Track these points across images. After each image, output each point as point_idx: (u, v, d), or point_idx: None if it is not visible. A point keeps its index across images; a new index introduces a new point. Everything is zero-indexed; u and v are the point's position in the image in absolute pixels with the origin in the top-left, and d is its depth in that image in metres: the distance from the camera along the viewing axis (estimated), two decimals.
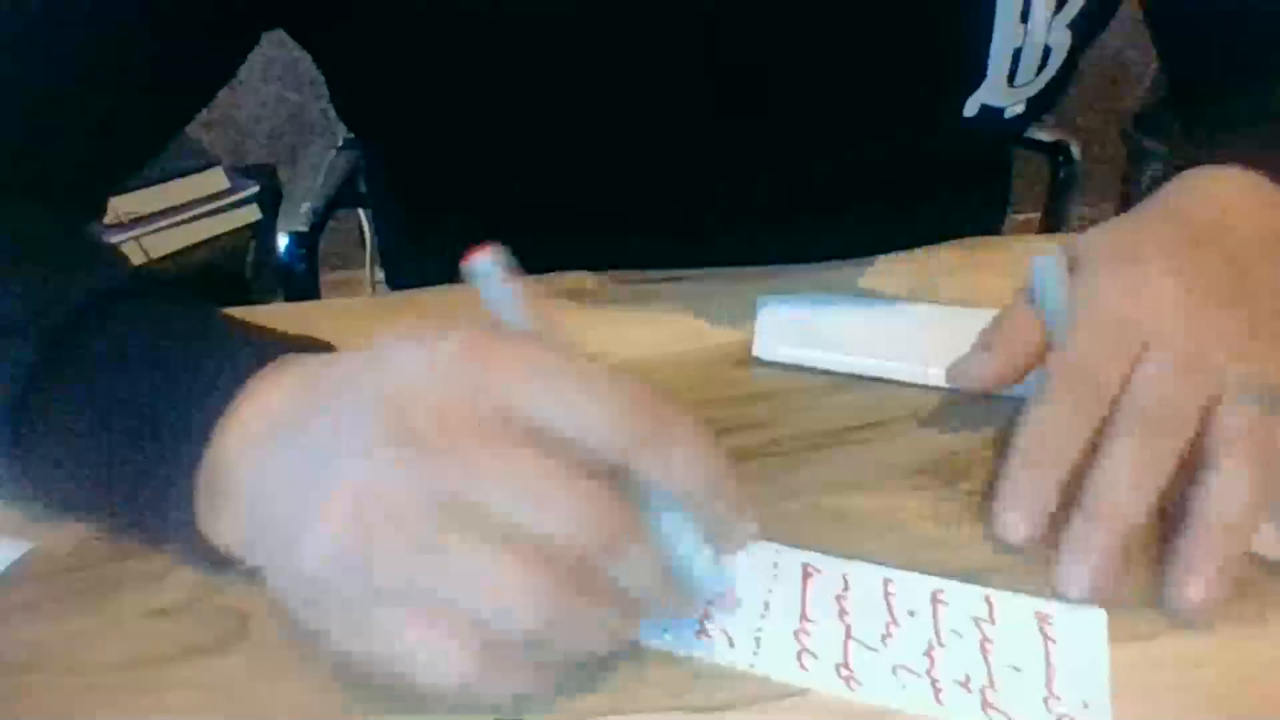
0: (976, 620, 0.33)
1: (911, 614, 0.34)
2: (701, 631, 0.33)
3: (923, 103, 0.51)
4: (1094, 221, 0.43)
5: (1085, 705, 0.31)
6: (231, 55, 0.49)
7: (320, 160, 0.91)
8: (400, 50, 0.48)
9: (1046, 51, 0.49)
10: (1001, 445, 0.41)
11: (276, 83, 1.60)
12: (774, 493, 0.39)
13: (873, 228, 0.53)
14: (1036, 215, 0.99)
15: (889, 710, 0.31)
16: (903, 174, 0.55)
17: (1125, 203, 1.44)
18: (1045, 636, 0.33)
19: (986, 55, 0.49)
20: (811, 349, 0.46)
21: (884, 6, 0.48)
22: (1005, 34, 0.48)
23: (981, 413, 0.43)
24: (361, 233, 1.36)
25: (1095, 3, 0.48)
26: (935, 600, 0.34)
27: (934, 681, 0.32)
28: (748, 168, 0.53)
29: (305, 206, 0.86)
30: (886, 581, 0.35)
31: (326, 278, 0.89)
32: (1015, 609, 0.34)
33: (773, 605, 0.34)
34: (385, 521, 0.27)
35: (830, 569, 0.35)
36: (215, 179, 1.41)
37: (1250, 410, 0.35)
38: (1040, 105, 0.53)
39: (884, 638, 0.33)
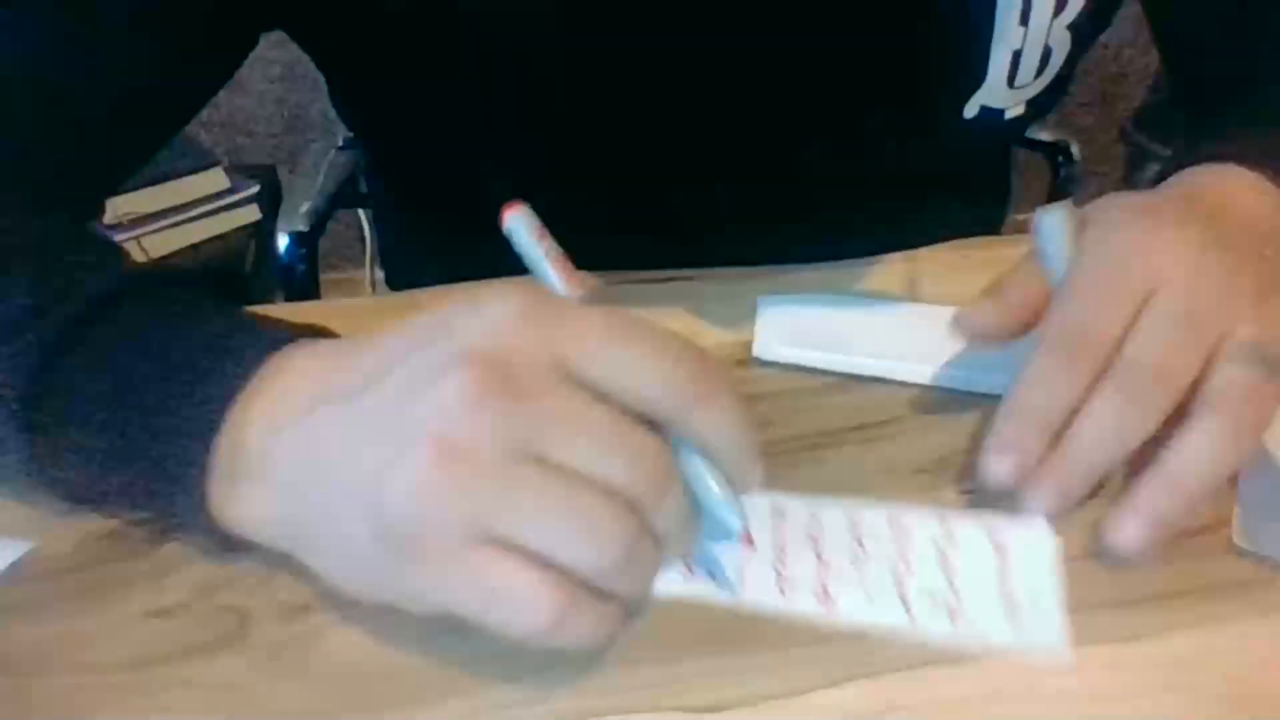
0: (937, 543, 0.36)
1: (878, 541, 0.37)
2: (687, 571, 0.35)
3: (923, 104, 0.51)
4: None
5: (1039, 609, 0.34)
6: (229, 56, 0.49)
7: (320, 160, 0.91)
8: (391, 50, 0.48)
9: (1046, 53, 0.49)
10: None
11: (276, 83, 1.60)
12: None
13: (873, 228, 0.53)
14: None
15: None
16: (903, 174, 0.55)
17: None
18: (999, 553, 0.36)
19: (986, 57, 0.49)
20: (811, 349, 0.46)
21: (884, 8, 0.48)
22: (1005, 36, 0.48)
23: (981, 413, 0.43)
24: (361, 233, 1.36)
25: (1095, 5, 0.48)
26: (899, 528, 0.37)
27: (904, 599, 0.34)
28: (747, 168, 0.53)
29: (305, 206, 0.86)
30: (852, 515, 0.37)
31: (326, 278, 0.89)
32: (971, 530, 0.37)
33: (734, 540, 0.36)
34: (472, 468, 0.28)
35: (798, 508, 0.38)
36: (215, 179, 1.41)
37: (1244, 372, 0.35)
38: (1040, 106, 0.53)
39: (855, 564, 0.36)
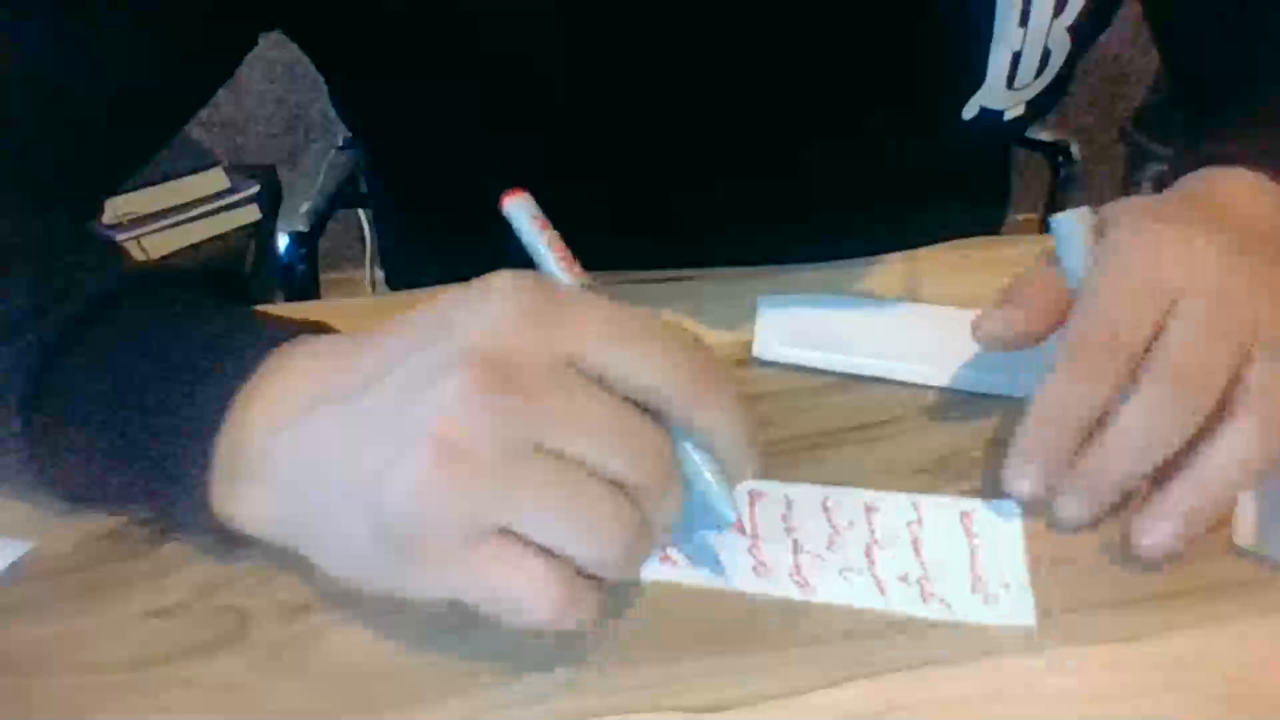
0: (908, 523, 0.37)
1: (850, 524, 0.37)
2: (664, 557, 0.36)
3: (922, 105, 0.51)
4: None
5: (1007, 585, 0.35)
6: (228, 56, 0.49)
7: (320, 160, 0.91)
8: (390, 49, 0.48)
9: (1046, 54, 0.49)
10: (1002, 445, 0.41)
11: (276, 83, 1.60)
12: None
13: (873, 228, 0.53)
14: (1036, 215, 0.99)
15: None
16: (902, 175, 0.55)
17: None
18: (967, 530, 0.37)
19: (986, 59, 0.49)
20: (811, 349, 0.46)
21: (883, 10, 0.48)
22: (1005, 37, 0.48)
23: (981, 413, 0.43)
24: (361, 233, 1.36)
25: (1095, 6, 0.48)
26: (869, 510, 0.38)
27: (877, 579, 0.35)
28: (747, 168, 0.53)
29: (305, 206, 0.86)
30: (825, 498, 0.38)
31: (326, 278, 0.88)
32: (940, 510, 0.38)
33: (724, 529, 0.37)
34: (472, 467, 0.28)
35: (773, 492, 0.39)
36: (215, 179, 1.41)
37: (1274, 374, 0.34)
38: (1040, 107, 0.53)
39: (828, 546, 0.37)
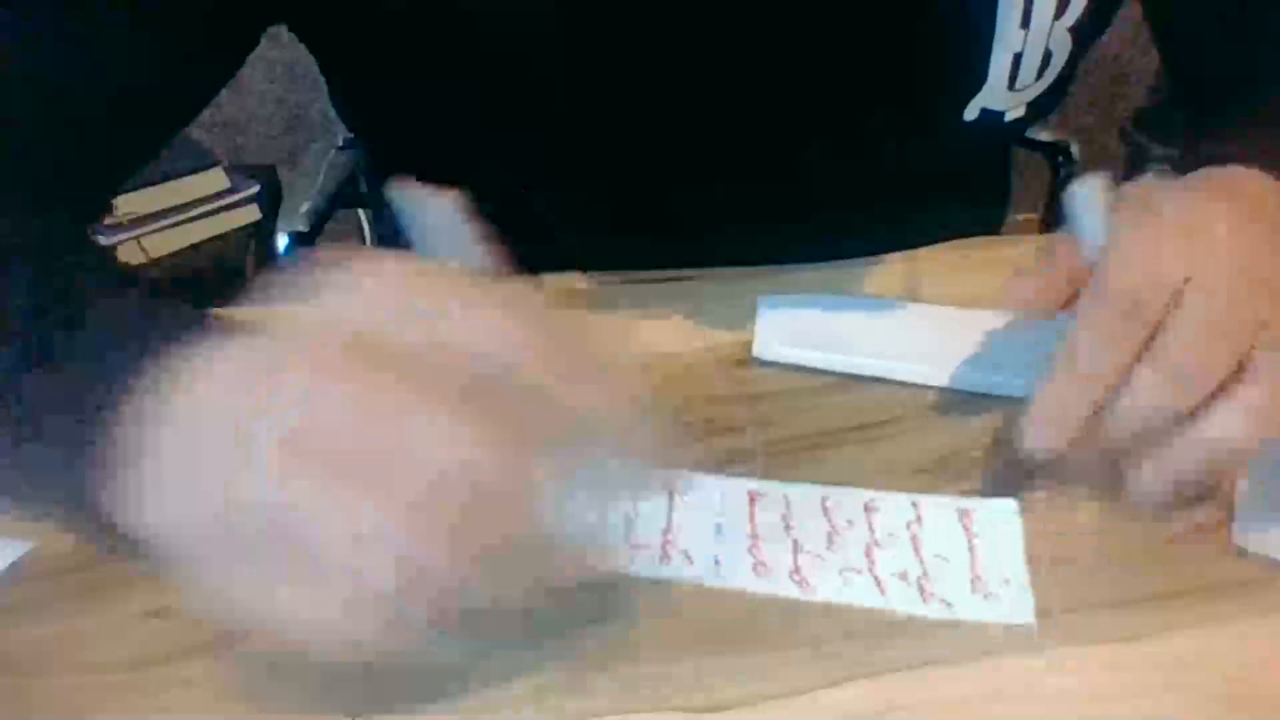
0: (907, 523, 0.37)
1: (850, 523, 0.38)
2: (664, 556, 0.36)
3: (923, 106, 0.51)
4: None
5: (1007, 583, 0.35)
6: (230, 56, 0.49)
7: (320, 160, 0.91)
8: (390, 49, 0.48)
9: (1047, 56, 0.49)
10: (1002, 445, 0.41)
11: (276, 83, 1.60)
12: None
13: (873, 228, 0.53)
14: (1036, 215, 0.99)
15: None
16: (902, 176, 0.55)
17: None
18: (967, 530, 0.37)
19: (987, 60, 0.49)
20: (811, 349, 0.46)
21: (884, 12, 0.47)
22: (1006, 39, 0.48)
23: (981, 413, 0.43)
24: (361, 233, 1.36)
25: (1096, 7, 0.48)
26: (868, 509, 0.38)
27: (876, 578, 0.35)
28: (747, 168, 0.53)
29: (305, 206, 0.86)
30: (824, 499, 0.39)
31: None
32: (939, 509, 0.38)
33: (724, 528, 0.38)
34: (271, 475, 0.26)
35: (772, 492, 0.39)
36: (215, 179, 1.41)
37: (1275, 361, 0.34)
38: (1041, 108, 0.53)
39: (828, 545, 0.37)
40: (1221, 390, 0.34)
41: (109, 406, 0.30)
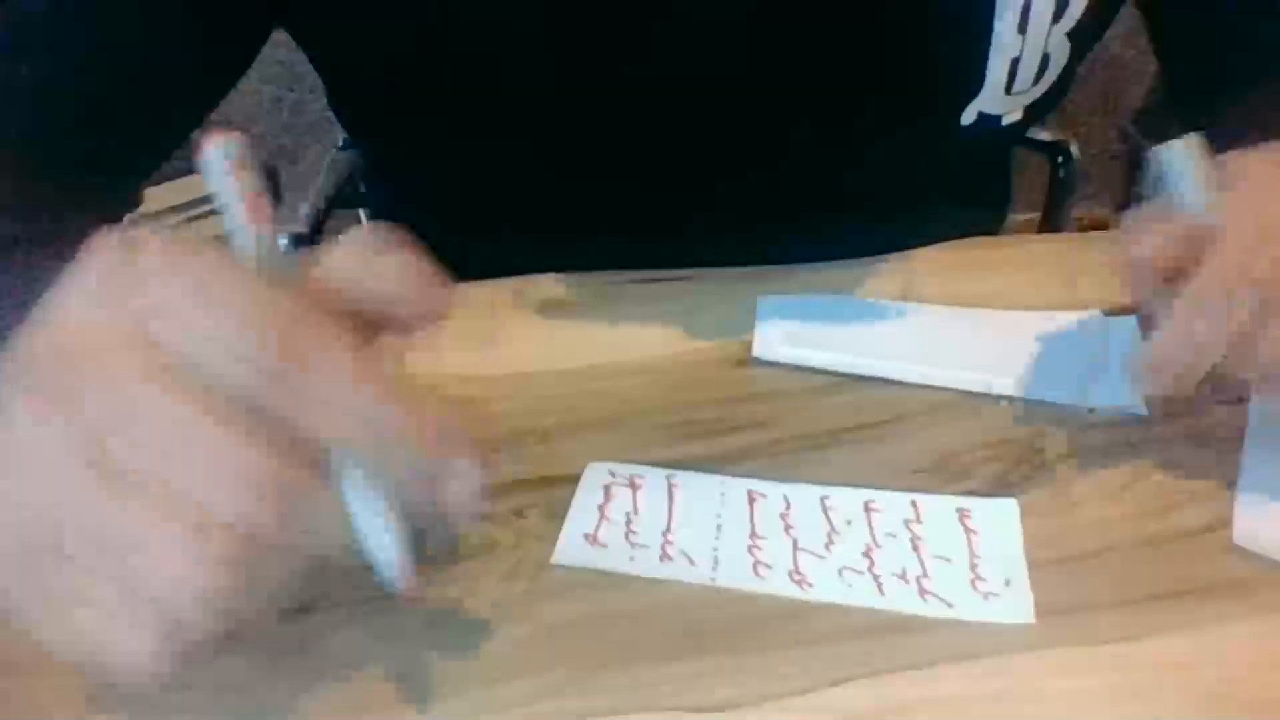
0: (906, 522, 0.38)
1: (849, 523, 0.38)
2: (664, 556, 0.36)
3: (919, 112, 0.51)
4: (1094, 222, 0.43)
5: (1007, 583, 0.35)
6: (232, 55, 0.49)
7: (320, 160, 0.91)
8: (379, 55, 0.49)
9: (1044, 60, 0.49)
10: (1002, 445, 0.41)
11: (276, 83, 1.60)
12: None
13: (871, 230, 0.53)
14: (1036, 215, 0.99)
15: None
16: (900, 179, 0.55)
17: (1125, 203, 1.43)
18: (966, 529, 0.37)
19: (984, 65, 0.49)
20: (811, 349, 0.46)
21: (881, 17, 0.47)
22: (1003, 44, 0.48)
23: (981, 413, 0.43)
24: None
25: (1093, 12, 0.48)
26: (868, 509, 0.38)
27: (876, 578, 0.35)
28: (746, 171, 0.53)
29: (304, 207, 0.86)
30: (824, 498, 0.39)
31: None
32: (938, 508, 0.38)
33: (724, 527, 0.38)
34: (35, 479, 0.24)
35: (772, 492, 0.39)
36: None
37: None
38: (1038, 111, 0.53)
39: (828, 545, 0.37)
40: None
41: None
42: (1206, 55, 0.56)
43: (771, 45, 0.48)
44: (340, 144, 0.93)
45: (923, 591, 0.35)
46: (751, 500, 0.39)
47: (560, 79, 0.48)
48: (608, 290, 0.52)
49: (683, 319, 0.49)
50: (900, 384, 0.45)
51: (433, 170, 0.57)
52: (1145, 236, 0.37)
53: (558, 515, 0.38)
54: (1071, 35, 0.48)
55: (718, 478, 0.40)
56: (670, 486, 0.39)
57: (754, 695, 0.31)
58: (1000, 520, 0.37)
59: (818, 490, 0.39)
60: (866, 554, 0.36)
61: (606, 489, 0.39)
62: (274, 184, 1.51)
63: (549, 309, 0.51)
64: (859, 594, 0.35)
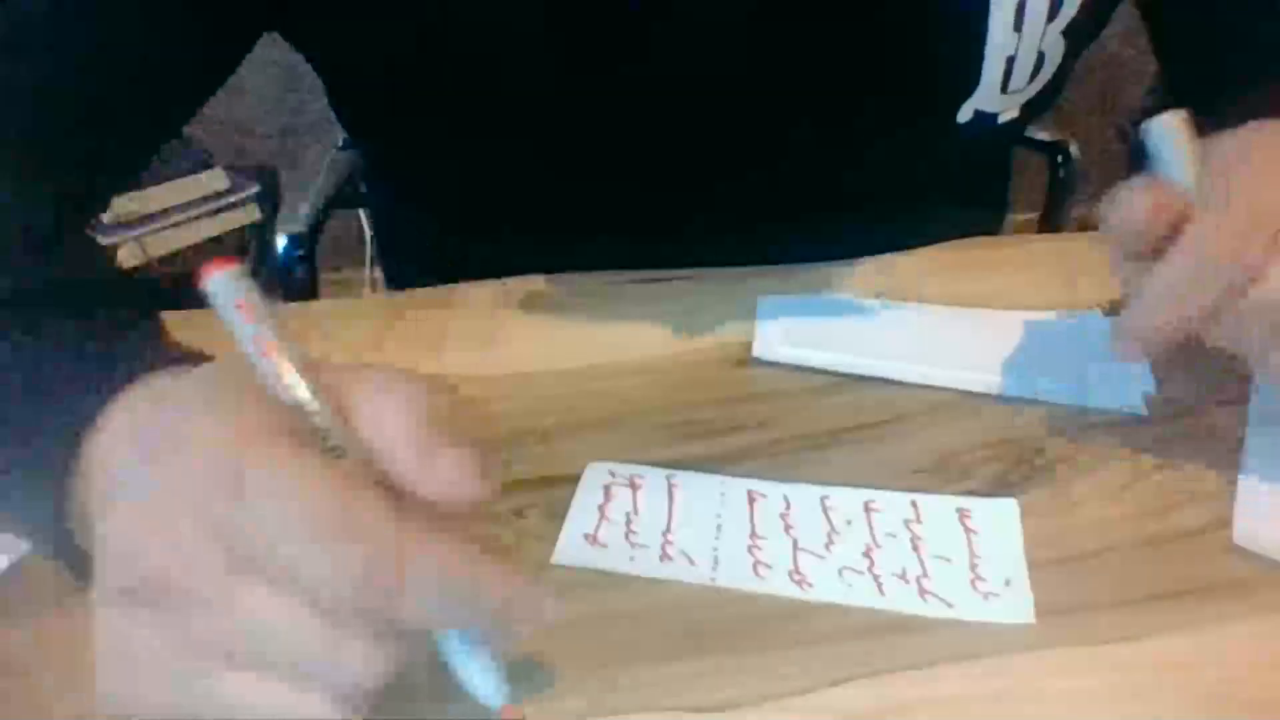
0: (906, 522, 0.37)
1: (849, 523, 0.38)
2: (664, 556, 0.36)
3: (918, 111, 0.51)
4: (1094, 222, 0.43)
5: (1007, 583, 0.35)
6: (228, 54, 0.49)
7: (320, 160, 0.91)
8: (379, 56, 0.49)
9: (1040, 58, 0.49)
10: (1002, 445, 0.41)
11: (276, 83, 1.60)
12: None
13: (871, 230, 0.53)
14: (1036, 215, 0.99)
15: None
16: (897, 177, 0.55)
17: None
18: (966, 529, 0.37)
19: (980, 64, 0.49)
20: (811, 349, 0.46)
21: (877, 16, 0.48)
22: (999, 42, 0.48)
23: (981, 413, 0.43)
24: (361, 233, 1.36)
25: (1089, 9, 0.48)
26: (868, 509, 0.38)
27: (876, 578, 0.35)
28: (745, 171, 0.53)
29: (304, 207, 0.86)
30: (824, 498, 0.39)
31: (326, 278, 0.88)
32: (939, 508, 0.38)
33: (724, 527, 0.38)
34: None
35: (772, 492, 0.39)
36: (215, 179, 1.41)
37: None
38: (1034, 109, 0.53)
39: (828, 545, 0.37)
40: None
41: (62, 444, 0.29)
42: (1206, 55, 0.56)
43: (771, 45, 0.48)
44: (340, 144, 0.93)
45: (923, 591, 0.35)
46: (751, 500, 0.39)
47: (560, 79, 0.48)
48: (608, 290, 0.52)
49: (683, 319, 0.49)
50: (900, 384, 0.45)
51: (433, 170, 0.57)
52: (1128, 205, 0.37)
53: (558, 515, 0.38)
54: (1067, 33, 0.48)
55: (718, 478, 0.40)
56: (670, 486, 0.39)
57: (754, 695, 0.31)
58: (1000, 520, 0.37)
59: (818, 490, 0.39)
60: (866, 554, 0.36)
61: (606, 489, 0.39)
62: (274, 184, 1.51)
63: (549, 309, 0.51)
64: (859, 594, 0.35)
